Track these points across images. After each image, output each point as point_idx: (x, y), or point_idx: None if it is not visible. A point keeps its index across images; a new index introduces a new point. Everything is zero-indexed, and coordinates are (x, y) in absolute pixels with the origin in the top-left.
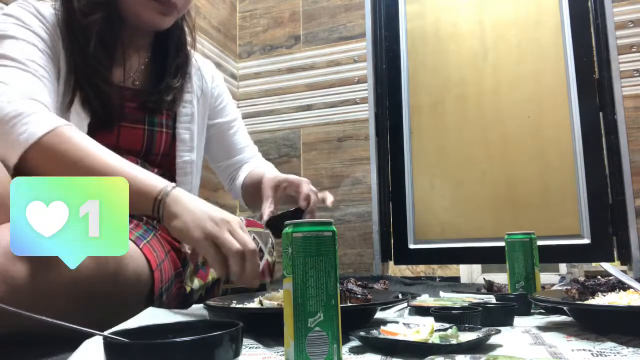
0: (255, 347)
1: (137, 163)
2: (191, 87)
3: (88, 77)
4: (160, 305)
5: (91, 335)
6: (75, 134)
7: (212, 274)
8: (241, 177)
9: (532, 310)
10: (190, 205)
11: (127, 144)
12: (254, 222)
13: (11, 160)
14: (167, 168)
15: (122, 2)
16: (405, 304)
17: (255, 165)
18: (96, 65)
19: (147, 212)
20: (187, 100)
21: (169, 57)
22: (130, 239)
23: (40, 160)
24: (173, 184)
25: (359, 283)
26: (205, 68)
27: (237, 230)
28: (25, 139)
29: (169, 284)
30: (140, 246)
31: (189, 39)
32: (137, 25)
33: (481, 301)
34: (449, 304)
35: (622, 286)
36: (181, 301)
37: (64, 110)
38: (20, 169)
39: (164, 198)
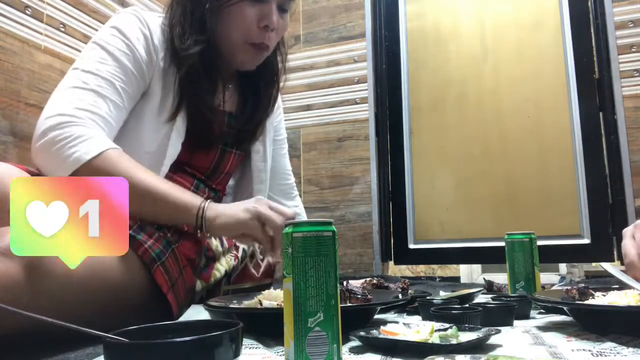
0: (255, 347)
1: (192, 184)
2: None
3: (196, 105)
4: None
5: (91, 335)
6: (121, 158)
7: (214, 276)
8: None
9: (531, 312)
10: (226, 205)
11: (197, 162)
12: None
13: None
14: (223, 186)
15: (219, 42)
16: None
17: None
18: (205, 97)
19: (190, 224)
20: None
21: (261, 89)
22: (144, 259)
23: None
24: (208, 200)
25: (374, 282)
26: None
27: (272, 205)
28: (72, 163)
29: (185, 301)
30: (153, 270)
31: (280, 65)
32: (229, 62)
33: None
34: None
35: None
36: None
37: (161, 124)
38: None
39: (204, 209)
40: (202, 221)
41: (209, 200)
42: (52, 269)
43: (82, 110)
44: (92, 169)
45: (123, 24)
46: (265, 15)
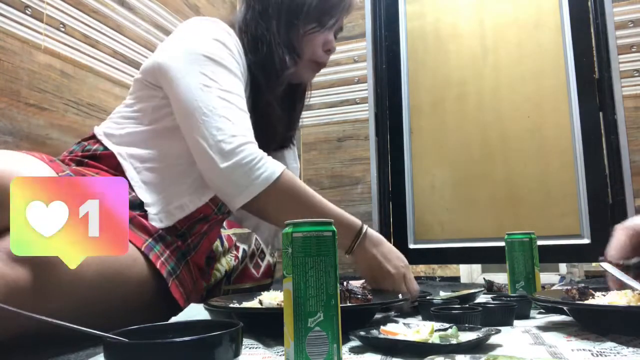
0: (255, 347)
1: None
2: None
3: (267, 114)
4: None
5: (91, 335)
6: (295, 177)
7: (214, 276)
8: None
9: (531, 312)
10: (381, 241)
11: None
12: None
13: (241, 201)
14: None
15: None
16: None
17: None
18: (276, 108)
19: (344, 244)
20: None
21: (297, 100)
22: (162, 273)
23: (274, 199)
24: (366, 227)
25: None
26: None
27: (411, 275)
28: (262, 183)
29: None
30: (169, 284)
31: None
32: (290, 77)
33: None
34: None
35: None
36: None
37: None
38: (246, 209)
39: (363, 234)
40: (355, 242)
41: (367, 227)
42: (61, 275)
43: (249, 130)
44: (278, 187)
45: (224, 38)
46: (329, 42)
